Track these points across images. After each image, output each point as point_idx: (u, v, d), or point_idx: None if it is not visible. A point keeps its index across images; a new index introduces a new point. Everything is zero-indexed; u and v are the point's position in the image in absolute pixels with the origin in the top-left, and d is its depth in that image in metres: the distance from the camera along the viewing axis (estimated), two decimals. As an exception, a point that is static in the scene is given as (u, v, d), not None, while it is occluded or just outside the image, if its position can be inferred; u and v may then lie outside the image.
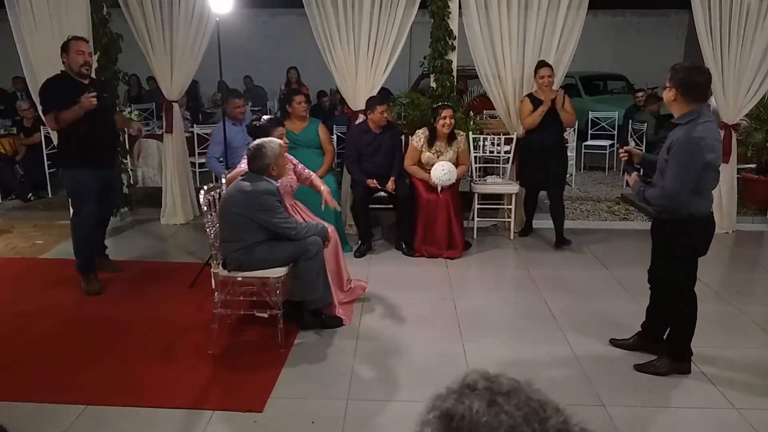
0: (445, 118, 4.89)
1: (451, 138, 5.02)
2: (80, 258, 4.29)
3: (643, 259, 5.02)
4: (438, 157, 4.99)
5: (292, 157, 4.28)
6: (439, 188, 4.93)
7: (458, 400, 0.65)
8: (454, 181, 4.96)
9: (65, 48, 4.11)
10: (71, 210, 4.37)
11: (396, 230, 5.32)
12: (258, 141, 3.45)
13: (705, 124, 2.80)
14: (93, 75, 4.54)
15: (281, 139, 3.96)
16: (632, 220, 6.23)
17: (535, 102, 5.06)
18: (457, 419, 0.63)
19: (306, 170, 4.12)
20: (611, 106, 9.37)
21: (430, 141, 5.01)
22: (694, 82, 2.83)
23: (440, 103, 5.13)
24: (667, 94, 2.93)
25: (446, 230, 4.96)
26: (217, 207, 3.58)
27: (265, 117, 3.99)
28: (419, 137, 5.04)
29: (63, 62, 4.13)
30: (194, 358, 3.35)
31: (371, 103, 5.10)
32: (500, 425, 0.61)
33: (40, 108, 4.42)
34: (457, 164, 5.02)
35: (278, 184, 3.47)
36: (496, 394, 0.65)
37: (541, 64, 5.07)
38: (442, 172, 4.89)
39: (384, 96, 5.50)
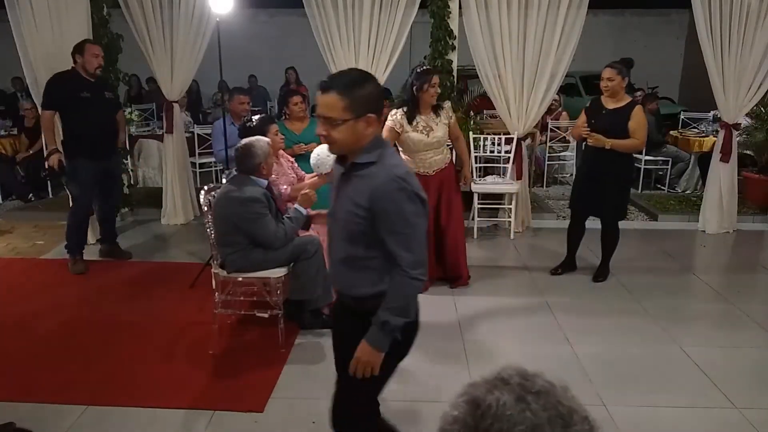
0: (434, 85, 4.02)
1: (436, 108, 4.13)
2: (70, 240, 4.68)
3: (644, 258, 5.06)
4: (429, 135, 4.06)
5: (290, 157, 4.27)
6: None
7: (489, 390, 0.67)
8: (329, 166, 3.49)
9: (80, 49, 4.46)
10: (70, 198, 4.79)
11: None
12: (246, 140, 3.42)
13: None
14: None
15: (276, 136, 3.94)
16: (632, 220, 6.23)
17: (594, 110, 4.28)
18: (483, 407, 0.64)
19: (300, 171, 4.12)
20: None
21: (410, 116, 4.04)
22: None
23: (425, 67, 4.22)
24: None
25: (434, 251, 4.28)
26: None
27: (255, 117, 3.95)
28: (395, 116, 4.05)
29: (76, 62, 4.48)
30: (195, 358, 3.35)
31: None
32: (523, 421, 0.63)
33: (40, 101, 4.74)
34: (452, 139, 4.26)
35: (267, 183, 3.41)
36: (527, 392, 0.66)
37: (609, 64, 4.24)
38: (317, 157, 3.68)
39: (389, 92, 5.49)
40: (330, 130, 1.76)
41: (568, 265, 4.65)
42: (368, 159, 1.79)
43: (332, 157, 3.32)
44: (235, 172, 3.46)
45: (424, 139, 4.05)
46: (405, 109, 4.04)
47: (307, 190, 3.47)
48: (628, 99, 4.17)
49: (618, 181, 4.25)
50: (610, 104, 4.17)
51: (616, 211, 4.33)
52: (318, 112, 1.77)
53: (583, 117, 4.38)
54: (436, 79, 4.08)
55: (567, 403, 0.67)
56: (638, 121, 4.06)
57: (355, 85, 1.74)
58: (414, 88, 4.00)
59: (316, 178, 3.72)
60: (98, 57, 4.48)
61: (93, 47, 4.51)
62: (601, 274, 4.51)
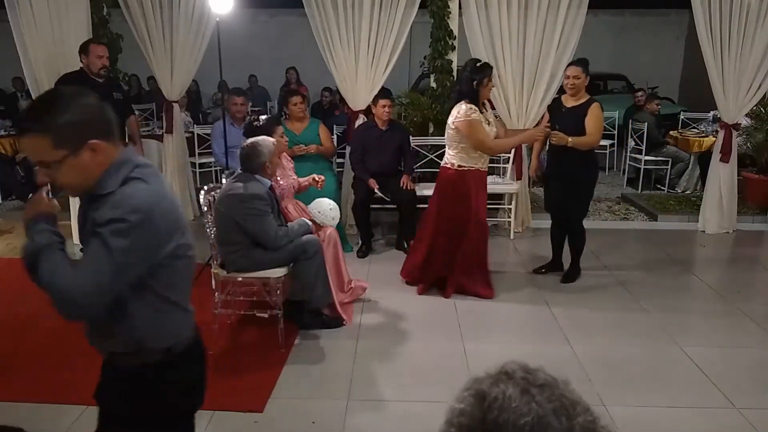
0: (491, 80, 4.00)
1: (483, 104, 4.08)
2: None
3: (644, 258, 5.06)
4: (489, 125, 4.01)
5: (290, 159, 4.29)
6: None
7: (494, 383, 0.69)
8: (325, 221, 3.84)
9: (84, 49, 4.50)
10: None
11: (398, 230, 5.29)
12: (252, 139, 3.44)
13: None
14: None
15: (281, 138, 3.96)
16: (632, 220, 6.24)
17: (555, 108, 4.35)
18: (489, 400, 0.66)
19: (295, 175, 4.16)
20: (611, 105, 9.33)
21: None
22: None
23: (483, 61, 4.15)
24: None
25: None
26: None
27: (262, 117, 3.98)
28: (471, 109, 3.87)
29: (81, 62, 4.53)
30: (195, 358, 3.35)
31: (376, 96, 5.12)
32: (529, 413, 0.64)
33: None
34: None
35: (270, 183, 3.44)
36: (531, 385, 0.68)
37: (571, 62, 4.33)
38: (329, 208, 3.84)
39: (389, 91, 5.49)
40: (51, 175, 1.46)
41: (553, 266, 4.60)
42: (108, 189, 1.46)
43: (330, 216, 3.83)
44: (239, 171, 3.47)
45: (490, 131, 3.99)
46: (468, 100, 3.90)
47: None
48: (587, 97, 4.20)
49: (586, 179, 4.25)
50: (569, 102, 4.22)
51: (580, 210, 4.33)
52: (31, 159, 1.46)
53: (546, 116, 4.45)
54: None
55: (569, 395, 0.69)
56: (593, 117, 4.09)
57: (54, 114, 1.38)
58: (474, 82, 3.89)
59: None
60: (102, 57, 4.50)
61: (97, 48, 4.51)
62: (570, 274, 4.44)
